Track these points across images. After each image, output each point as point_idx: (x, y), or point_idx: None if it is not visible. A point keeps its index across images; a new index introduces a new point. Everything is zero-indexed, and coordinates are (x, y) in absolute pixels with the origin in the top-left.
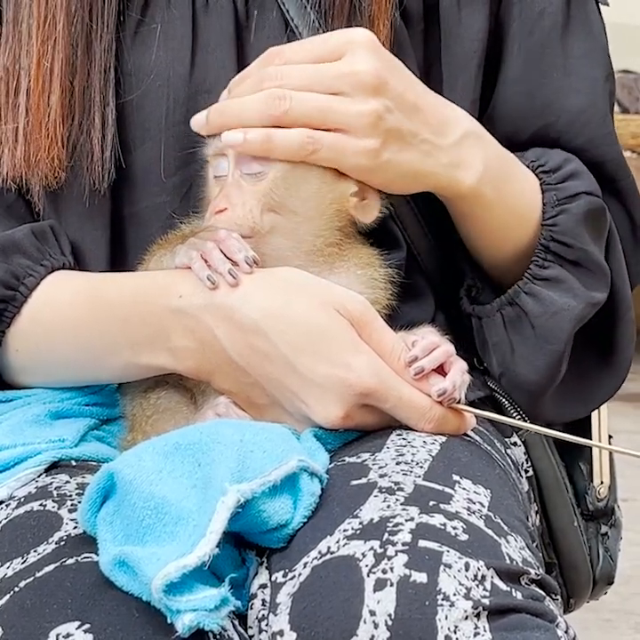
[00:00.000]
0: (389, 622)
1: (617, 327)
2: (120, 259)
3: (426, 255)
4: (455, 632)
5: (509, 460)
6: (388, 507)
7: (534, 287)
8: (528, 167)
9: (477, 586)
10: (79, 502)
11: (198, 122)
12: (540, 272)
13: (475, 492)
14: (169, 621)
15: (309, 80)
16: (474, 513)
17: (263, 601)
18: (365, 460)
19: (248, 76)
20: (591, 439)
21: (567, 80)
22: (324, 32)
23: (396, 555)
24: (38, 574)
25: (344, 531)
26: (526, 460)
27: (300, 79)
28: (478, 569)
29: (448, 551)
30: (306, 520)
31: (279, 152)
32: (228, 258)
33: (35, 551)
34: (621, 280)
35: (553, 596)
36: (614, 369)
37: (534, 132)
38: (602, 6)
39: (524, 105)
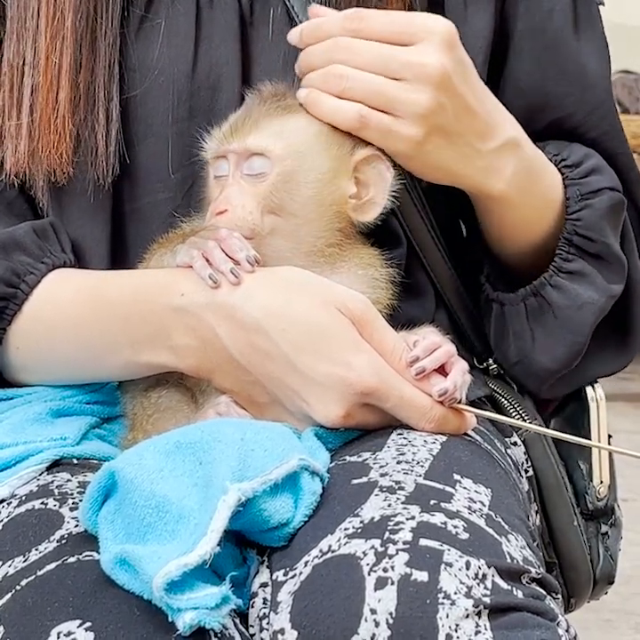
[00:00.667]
0: (390, 621)
1: (630, 313)
2: (121, 256)
3: (427, 250)
4: (456, 630)
5: (510, 460)
6: (389, 505)
7: (559, 280)
8: (550, 160)
9: (478, 584)
10: (80, 501)
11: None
12: (564, 265)
13: (475, 491)
14: (170, 620)
15: (377, 60)
16: (474, 512)
17: (264, 599)
18: (366, 459)
19: (326, 30)
20: (591, 439)
21: (580, 76)
22: None
23: (397, 553)
24: (39, 573)
25: (345, 529)
26: (526, 459)
27: (368, 57)
28: (479, 568)
29: (449, 550)
30: (307, 519)
31: (329, 119)
32: (229, 257)
33: (36, 549)
34: (635, 268)
35: (554, 594)
36: (622, 352)
37: (549, 122)
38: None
39: (535, 99)
